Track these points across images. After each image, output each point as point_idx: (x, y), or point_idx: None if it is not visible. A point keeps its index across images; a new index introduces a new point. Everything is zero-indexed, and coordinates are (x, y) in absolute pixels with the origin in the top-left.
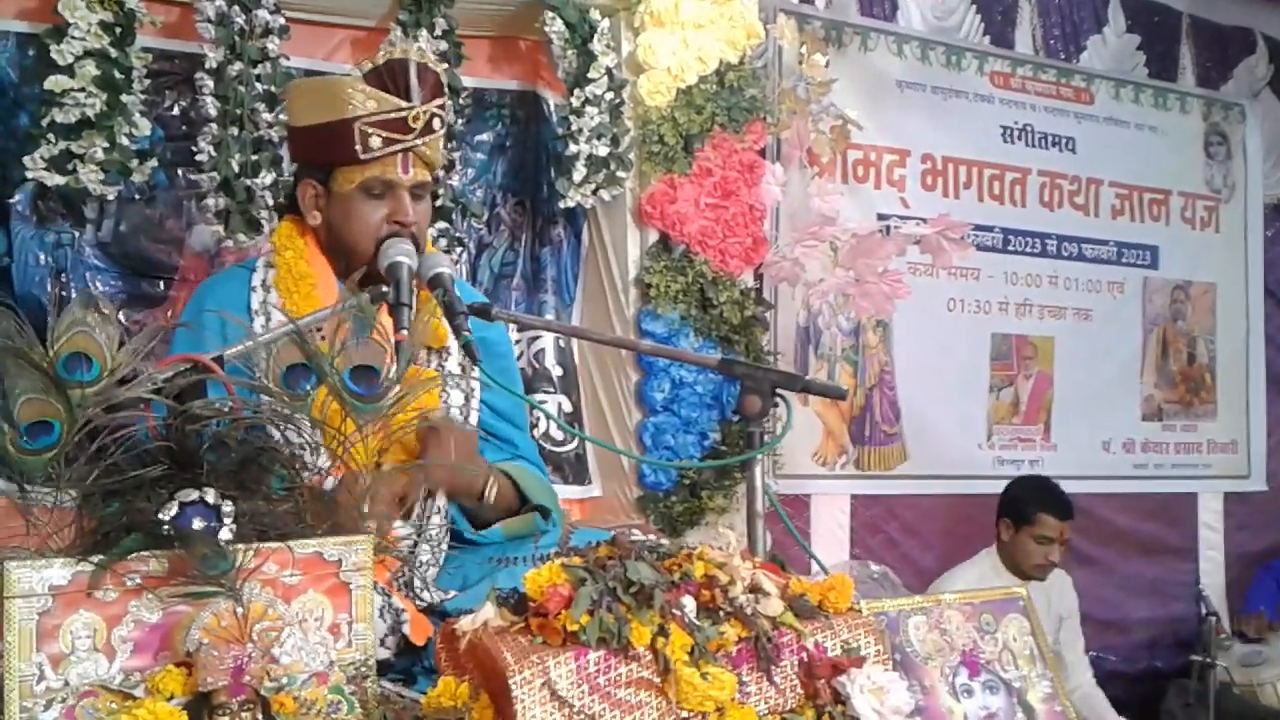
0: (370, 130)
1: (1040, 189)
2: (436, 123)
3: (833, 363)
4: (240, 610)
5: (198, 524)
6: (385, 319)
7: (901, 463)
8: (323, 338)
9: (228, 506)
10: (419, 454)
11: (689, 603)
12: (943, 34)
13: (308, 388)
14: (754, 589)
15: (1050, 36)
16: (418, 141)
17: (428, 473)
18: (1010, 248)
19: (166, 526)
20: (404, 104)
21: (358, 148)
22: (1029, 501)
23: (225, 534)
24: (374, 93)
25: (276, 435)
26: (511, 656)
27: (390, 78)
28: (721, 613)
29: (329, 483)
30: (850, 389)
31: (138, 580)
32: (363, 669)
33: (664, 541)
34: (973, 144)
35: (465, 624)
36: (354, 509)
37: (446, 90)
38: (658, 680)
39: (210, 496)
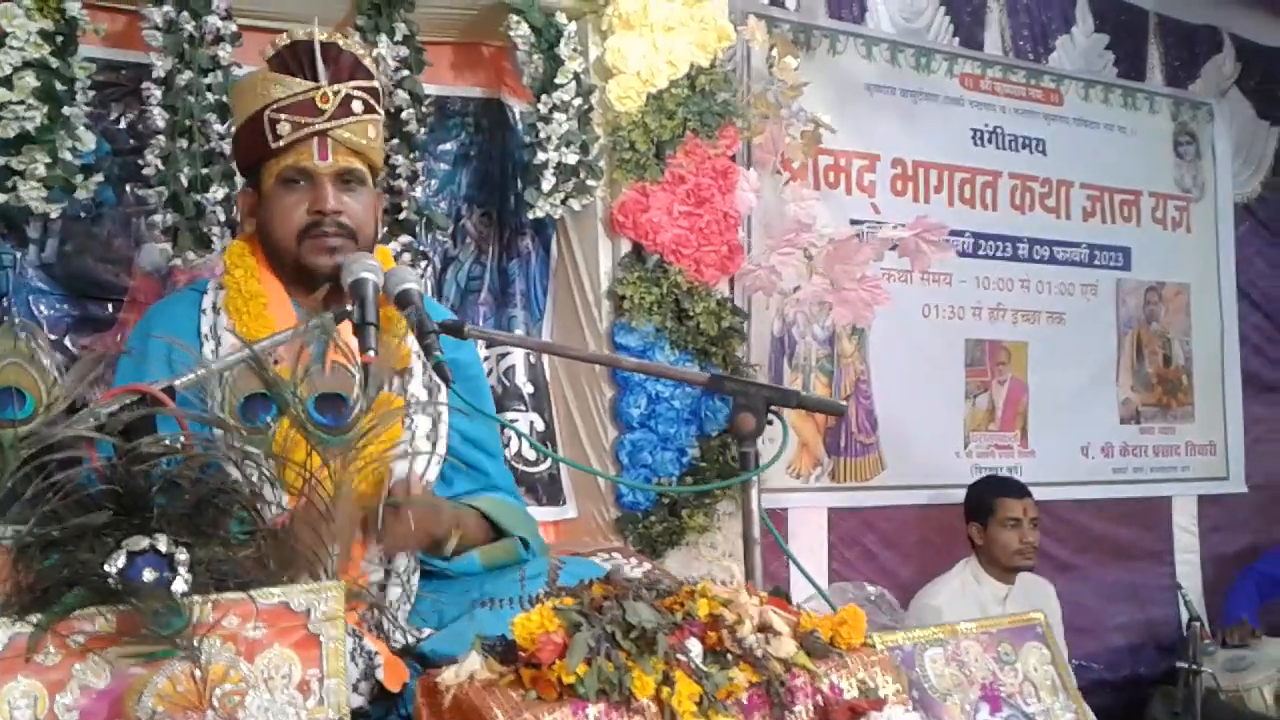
0: (278, 117)
1: (1011, 192)
2: (357, 105)
3: (808, 373)
4: (199, 673)
5: (148, 575)
6: (352, 340)
7: (879, 473)
8: (276, 362)
9: (182, 554)
10: (378, 524)
11: (695, 646)
12: (912, 35)
13: (268, 419)
14: (764, 628)
15: (1019, 37)
16: (331, 125)
17: (386, 545)
18: (982, 252)
19: (113, 579)
20: (309, 85)
21: (269, 137)
22: (984, 495)
23: (180, 585)
24: (277, 77)
25: (235, 473)
26: (502, 714)
27: (294, 60)
28: (730, 656)
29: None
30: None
31: (82, 641)
32: None
33: (660, 575)
34: (943, 147)
35: (449, 676)
36: (312, 545)
37: (374, 73)
38: None
39: (162, 544)
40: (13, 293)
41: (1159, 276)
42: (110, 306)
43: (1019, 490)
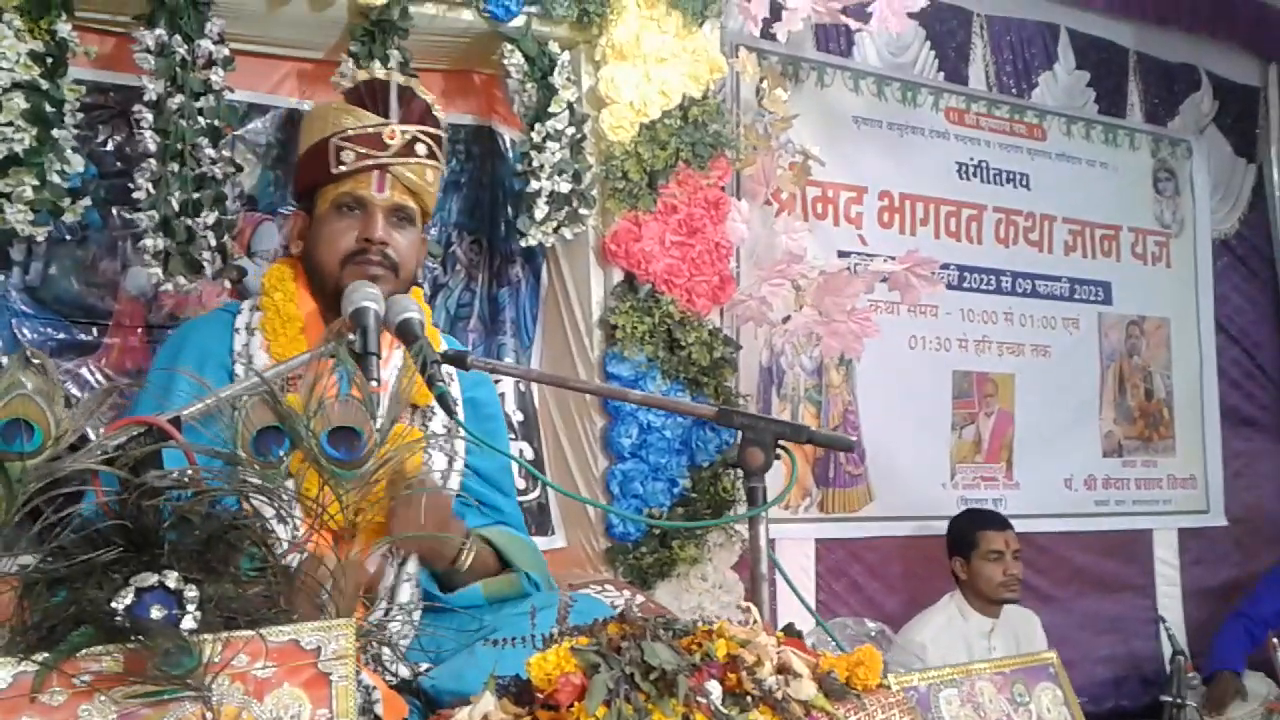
0: (344, 145)
1: (996, 225)
2: (421, 147)
3: (796, 403)
4: (209, 715)
5: (157, 613)
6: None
7: (867, 504)
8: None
9: (191, 591)
10: (388, 519)
11: (715, 688)
12: (898, 70)
13: (280, 453)
14: (783, 669)
15: (1003, 72)
16: (394, 160)
17: (397, 538)
18: (967, 284)
19: (121, 617)
20: (380, 120)
21: (331, 163)
22: (966, 529)
23: (189, 623)
24: (349, 108)
25: (248, 507)
26: None
27: (369, 95)
28: (750, 698)
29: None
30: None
31: (89, 680)
32: None
33: (655, 609)
34: (929, 180)
35: (462, 717)
36: (315, 595)
37: (442, 123)
38: None
39: (171, 581)
40: None
41: (1139, 310)
42: (95, 330)
43: (1000, 522)
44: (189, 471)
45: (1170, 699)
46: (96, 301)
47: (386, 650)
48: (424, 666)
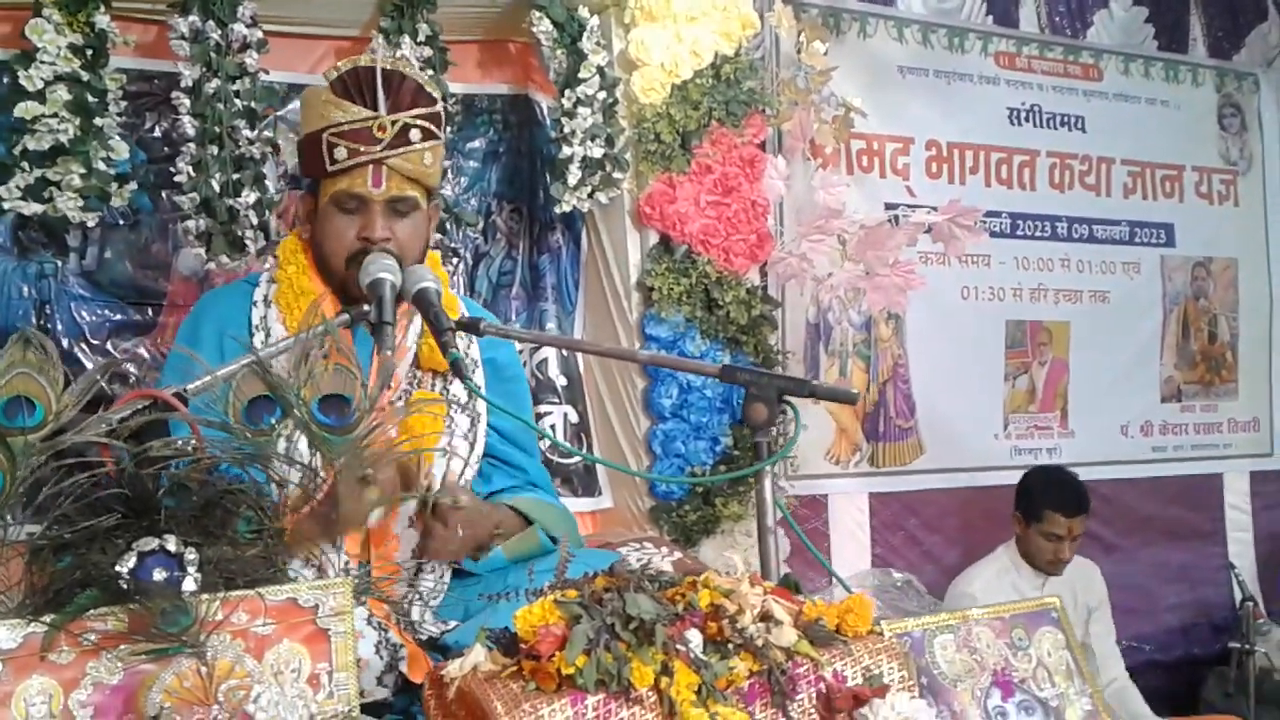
0: (336, 141)
1: (1050, 171)
2: (415, 133)
3: (844, 359)
4: (204, 669)
5: (159, 575)
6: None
7: (917, 457)
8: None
9: (191, 554)
10: (424, 536)
11: (695, 637)
12: (944, 16)
13: (272, 421)
14: (765, 617)
15: (1055, 13)
16: (387, 153)
17: (434, 551)
18: (1020, 232)
19: (124, 580)
20: (368, 113)
21: (326, 160)
22: (1038, 497)
23: (189, 584)
24: (337, 101)
25: (248, 474)
26: (501, 706)
27: (355, 85)
28: (730, 645)
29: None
30: (864, 384)
31: (95, 639)
32: None
33: (666, 568)
34: (979, 128)
35: (454, 669)
36: (354, 496)
37: (437, 99)
38: None
39: (171, 544)
40: (55, 300)
41: (1204, 252)
42: (150, 311)
43: (1074, 508)
44: (186, 441)
45: (1238, 645)
46: (150, 283)
47: (415, 610)
48: (451, 624)
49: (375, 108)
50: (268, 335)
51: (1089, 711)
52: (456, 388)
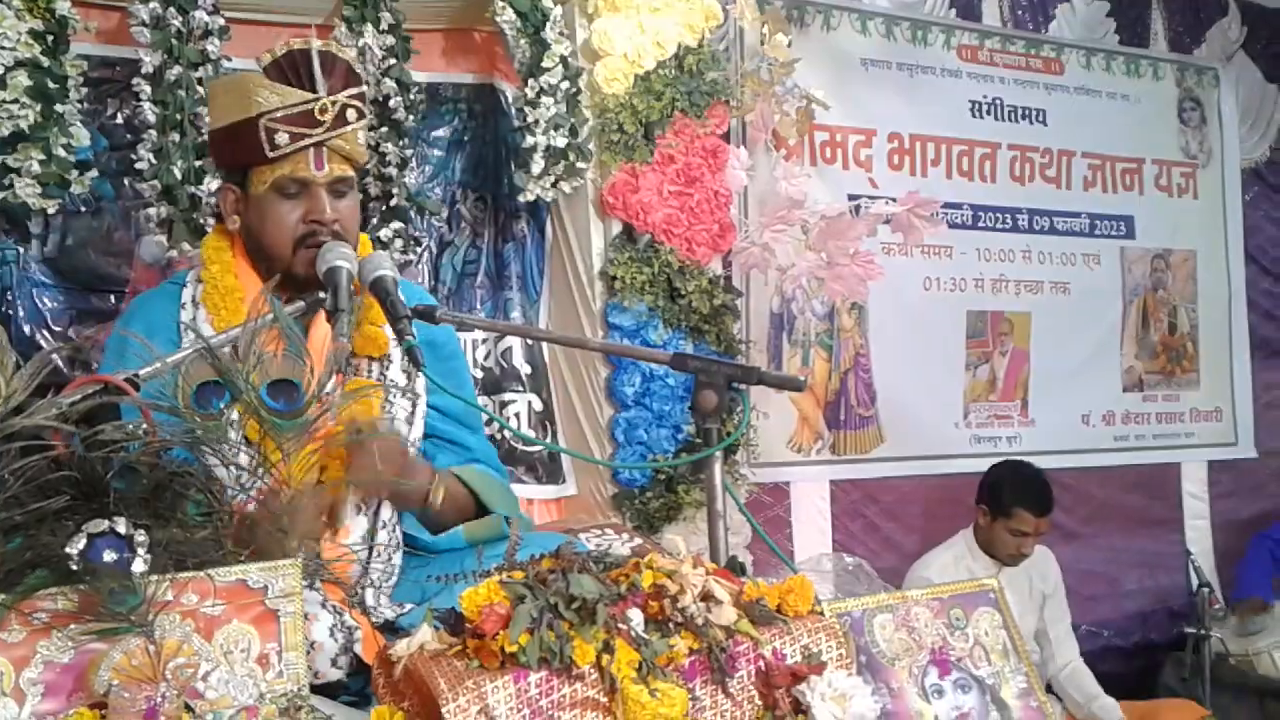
0: (276, 126)
1: (1011, 163)
2: (351, 114)
3: (807, 348)
4: (152, 648)
5: (109, 556)
6: (323, 327)
7: (878, 445)
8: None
9: (140, 536)
10: (346, 466)
11: (636, 616)
12: (907, 9)
13: (220, 406)
14: (706, 597)
15: (1018, 7)
16: (329, 135)
17: (355, 485)
18: (981, 224)
19: (75, 561)
20: (309, 96)
21: (265, 146)
22: (1007, 493)
23: (139, 565)
24: (277, 86)
25: (197, 458)
26: (445, 683)
27: (292, 69)
28: (671, 624)
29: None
30: (826, 373)
31: (45, 619)
32: (295, 700)
33: (611, 551)
34: (941, 120)
35: (400, 648)
36: (275, 529)
37: (365, 78)
38: (604, 700)
39: (121, 526)
40: (16, 287)
41: (1164, 244)
42: (113, 298)
43: (1042, 508)
44: (137, 425)
45: (1194, 631)
46: (113, 270)
47: (370, 593)
48: (407, 607)
49: (315, 89)
50: (197, 337)
51: (1024, 689)
52: (393, 371)
